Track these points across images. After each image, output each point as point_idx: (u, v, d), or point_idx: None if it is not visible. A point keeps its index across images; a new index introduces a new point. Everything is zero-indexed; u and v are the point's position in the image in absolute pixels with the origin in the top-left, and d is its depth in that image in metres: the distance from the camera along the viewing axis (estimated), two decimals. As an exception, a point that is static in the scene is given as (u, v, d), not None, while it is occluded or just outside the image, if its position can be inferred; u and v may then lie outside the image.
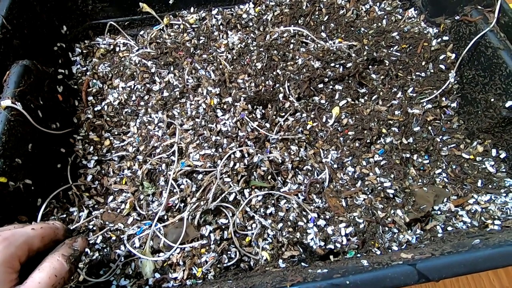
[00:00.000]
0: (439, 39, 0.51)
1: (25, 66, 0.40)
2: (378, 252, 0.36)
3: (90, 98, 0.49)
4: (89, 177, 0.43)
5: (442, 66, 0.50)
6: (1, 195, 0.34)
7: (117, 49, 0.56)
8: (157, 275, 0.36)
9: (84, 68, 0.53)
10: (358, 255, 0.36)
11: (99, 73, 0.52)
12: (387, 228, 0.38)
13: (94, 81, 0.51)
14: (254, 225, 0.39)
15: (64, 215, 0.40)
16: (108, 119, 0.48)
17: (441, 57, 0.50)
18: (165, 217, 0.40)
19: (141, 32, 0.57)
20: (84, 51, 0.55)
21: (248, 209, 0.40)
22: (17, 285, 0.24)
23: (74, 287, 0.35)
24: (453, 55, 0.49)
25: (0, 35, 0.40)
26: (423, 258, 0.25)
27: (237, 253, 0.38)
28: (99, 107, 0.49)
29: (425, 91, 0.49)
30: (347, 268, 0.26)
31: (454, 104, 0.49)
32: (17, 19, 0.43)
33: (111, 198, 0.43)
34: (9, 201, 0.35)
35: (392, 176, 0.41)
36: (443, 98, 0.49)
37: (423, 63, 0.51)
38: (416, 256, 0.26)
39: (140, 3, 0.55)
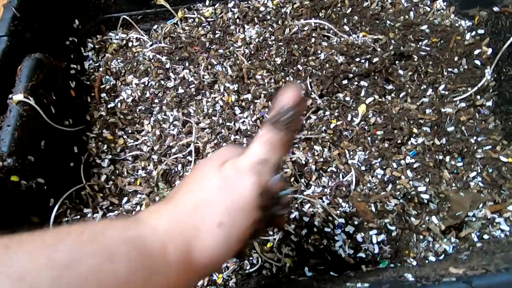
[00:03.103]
0: (474, 33, 0.47)
1: (37, 59, 0.38)
2: (414, 263, 0.33)
3: (103, 95, 0.47)
4: (103, 177, 0.42)
5: (477, 62, 0.46)
6: (13, 194, 0.33)
7: (130, 44, 0.54)
8: (175, 282, 0.34)
9: (97, 64, 0.51)
10: (392, 265, 0.33)
11: (112, 69, 0.50)
12: (421, 236, 0.35)
13: (107, 77, 0.49)
14: (276, 230, 0.37)
15: (78, 216, 0.38)
16: (121, 116, 0.46)
17: (475, 52, 0.47)
18: (182, 220, 0.38)
19: (155, 27, 0.55)
20: (97, 46, 0.53)
21: (270, 213, 0.37)
22: None
23: None
24: (490, 50, 0.46)
25: (12, 27, 0.39)
26: (478, 275, 0.22)
27: (259, 259, 0.35)
28: (112, 104, 0.47)
29: (458, 88, 0.46)
30: (391, 283, 0.23)
31: (489, 103, 0.45)
32: (29, 11, 0.42)
33: (125, 199, 0.41)
34: (21, 201, 0.34)
35: (427, 180, 0.38)
36: (478, 96, 0.45)
37: (456, 58, 0.47)
38: (469, 272, 0.23)
39: (154, -4, 0.53)
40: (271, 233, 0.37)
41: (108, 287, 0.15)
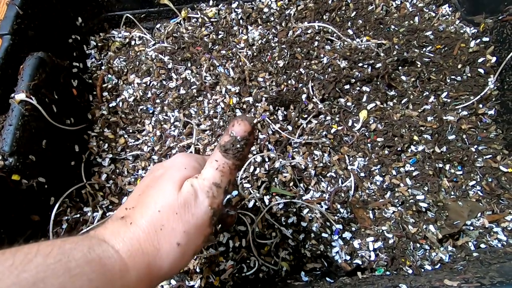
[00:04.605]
0: (478, 40, 0.47)
1: (40, 58, 0.38)
2: (410, 271, 0.33)
3: (105, 93, 0.48)
4: (104, 176, 0.42)
5: (481, 70, 0.46)
6: (14, 193, 0.33)
7: (133, 42, 0.54)
8: (173, 282, 0.35)
9: (99, 62, 0.51)
10: (387, 272, 0.33)
11: (114, 68, 0.50)
12: (418, 245, 0.35)
13: (109, 76, 0.49)
14: (273, 234, 0.37)
15: (78, 215, 0.39)
16: (123, 116, 0.47)
17: (479, 60, 0.46)
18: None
19: (158, 26, 0.55)
20: (99, 44, 0.53)
21: (268, 216, 0.38)
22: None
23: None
24: (494, 59, 0.45)
25: (15, 25, 0.39)
26: (472, 288, 0.23)
27: (256, 262, 0.36)
28: (114, 103, 0.47)
29: (460, 96, 0.45)
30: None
31: (491, 112, 0.45)
32: (32, 9, 0.42)
33: (125, 198, 0.41)
34: (21, 200, 0.34)
35: (426, 188, 0.38)
36: (480, 105, 0.45)
37: (459, 66, 0.47)
38: (463, 285, 0.23)
39: (158, -5, 0.53)
40: (268, 236, 0.37)
41: None
